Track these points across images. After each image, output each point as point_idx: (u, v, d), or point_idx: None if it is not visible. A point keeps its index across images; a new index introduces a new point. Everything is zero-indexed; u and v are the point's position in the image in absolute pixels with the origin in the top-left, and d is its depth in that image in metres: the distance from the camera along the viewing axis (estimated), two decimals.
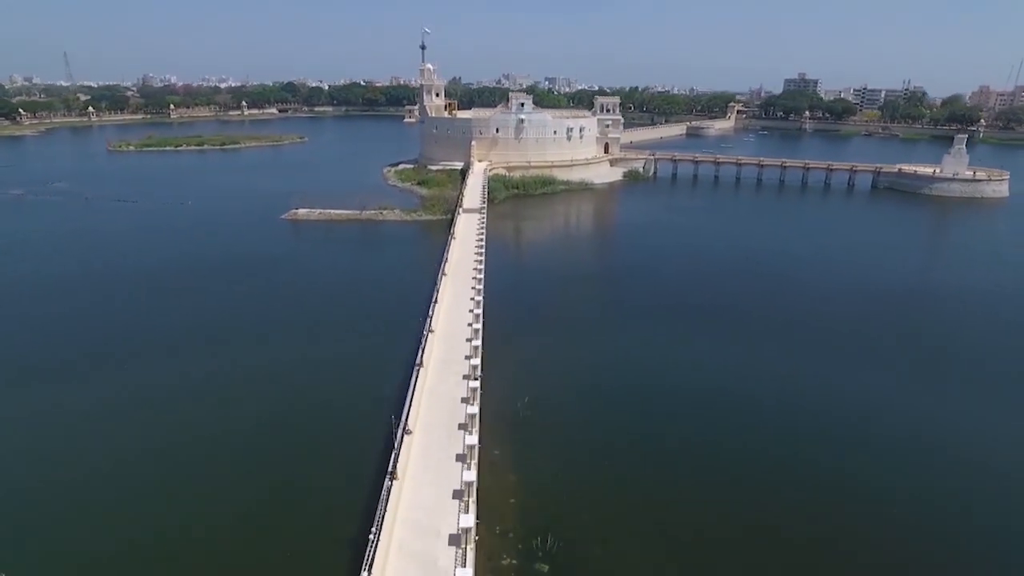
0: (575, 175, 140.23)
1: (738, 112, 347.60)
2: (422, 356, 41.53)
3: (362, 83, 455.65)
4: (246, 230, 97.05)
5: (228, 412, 43.93)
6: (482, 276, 57.95)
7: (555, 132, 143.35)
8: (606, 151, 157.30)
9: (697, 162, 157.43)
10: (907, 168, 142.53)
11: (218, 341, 55.60)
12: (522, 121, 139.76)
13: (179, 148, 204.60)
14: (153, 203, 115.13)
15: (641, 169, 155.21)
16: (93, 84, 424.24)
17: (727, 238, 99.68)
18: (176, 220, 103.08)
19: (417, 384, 38.35)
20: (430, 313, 49.88)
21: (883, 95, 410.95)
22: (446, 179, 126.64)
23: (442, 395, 39.08)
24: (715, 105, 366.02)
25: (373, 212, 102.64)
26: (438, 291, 54.25)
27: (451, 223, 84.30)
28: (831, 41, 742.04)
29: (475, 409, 35.07)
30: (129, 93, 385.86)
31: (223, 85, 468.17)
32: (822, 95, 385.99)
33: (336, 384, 48.07)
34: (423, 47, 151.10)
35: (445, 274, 59.58)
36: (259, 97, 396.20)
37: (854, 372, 52.25)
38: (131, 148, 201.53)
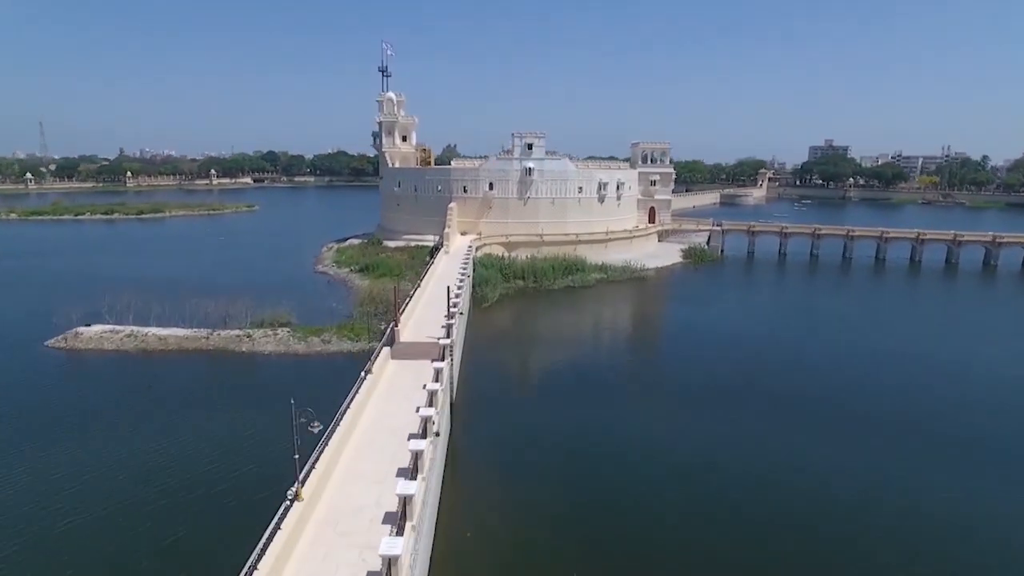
0: (613, 255, 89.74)
1: (769, 180, 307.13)
2: None
3: (350, 153, 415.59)
4: None
5: None
6: None
7: (580, 189, 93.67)
8: (651, 219, 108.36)
9: (786, 235, 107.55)
10: None
11: None
12: (530, 171, 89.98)
13: (80, 217, 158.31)
14: None
15: (706, 245, 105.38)
16: (74, 156, 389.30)
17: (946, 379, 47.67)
18: None
19: None
20: None
21: (920, 162, 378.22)
22: (404, 263, 75.73)
23: None
24: (741, 173, 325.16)
25: (236, 335, 50.87)
26: None
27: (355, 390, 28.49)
28: (851, 108, 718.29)
29: None
30: (105, 163, 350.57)
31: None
32: (857, 162, 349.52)
33: None
34: (385, 72, 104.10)
35: None
36: (234, 166, 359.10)
37: None
38: (13, 216, 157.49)
